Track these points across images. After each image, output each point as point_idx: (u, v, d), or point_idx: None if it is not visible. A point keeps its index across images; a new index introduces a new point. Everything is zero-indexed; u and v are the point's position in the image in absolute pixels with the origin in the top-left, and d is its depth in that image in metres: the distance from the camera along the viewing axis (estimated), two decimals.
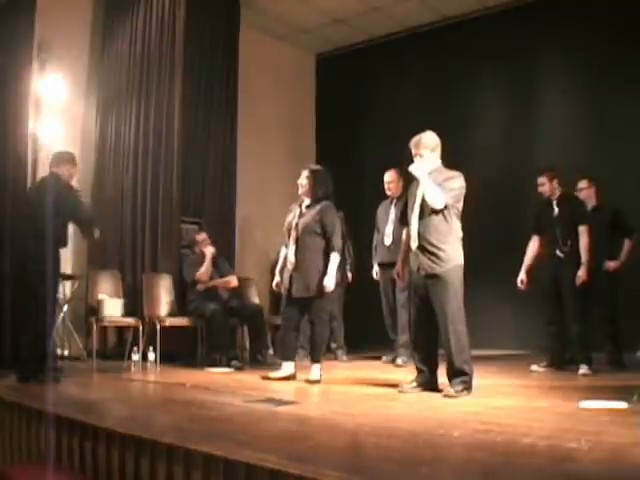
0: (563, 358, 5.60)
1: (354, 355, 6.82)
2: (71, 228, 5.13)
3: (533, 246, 5.77)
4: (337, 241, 4.93)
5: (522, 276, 5.72)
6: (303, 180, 5.02)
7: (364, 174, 8.37)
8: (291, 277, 4.92)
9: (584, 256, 5.40)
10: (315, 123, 9.48)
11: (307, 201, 5.04)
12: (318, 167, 5.18)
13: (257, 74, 8.42)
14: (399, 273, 4.56)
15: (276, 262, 5.33)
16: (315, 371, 4.87)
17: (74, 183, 5.11)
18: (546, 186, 5.67)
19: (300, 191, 5.04)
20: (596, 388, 4.46)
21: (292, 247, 4.93)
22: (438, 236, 4.15)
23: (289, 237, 4.99)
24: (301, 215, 4.99)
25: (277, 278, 5.15)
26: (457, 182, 4.20)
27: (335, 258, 4.89)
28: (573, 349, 5.51)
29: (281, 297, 5.20)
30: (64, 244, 4.90)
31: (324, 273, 4.85)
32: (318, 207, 4.97)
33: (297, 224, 4.96)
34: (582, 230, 5.45)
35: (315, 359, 4.92)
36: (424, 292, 4.19)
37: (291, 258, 4.92)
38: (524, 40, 7.56)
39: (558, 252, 5.54)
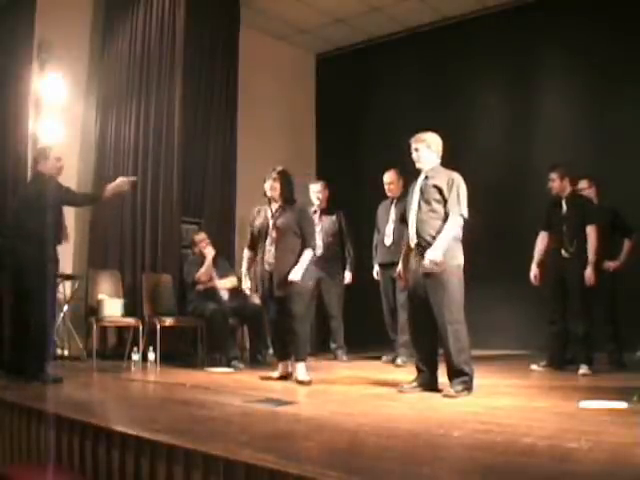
0: (563, 358, 5.60)
1: (354, 355, 6.82)
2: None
3: (541, 242, 5.71)
4: (313, 241, 5.00)
5: (534, 271, 5.68)
6: (273, 182, 4.97)
7: (364, 174, 8.36)
8: (271, 276, 4.88)
9: (591, 256, 5.35)
10: (315, 123, 9.47)
11: (276, 203, 5.00)
12: (283, 168, 5.13)
13: (257, 74, 8.42)
14: (400, 274, 4.56)
15: None
16: (301, 371, 4.82)
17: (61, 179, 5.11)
18: (556, 182, 5.61)
19: (270, 193, 4.99)
20: (596, 388, 4.47)
21: (271, 248, 4.88)
22: (436, 235, 4.15)
23: (265, 238, 4.93)
24: (275, 216, 4.95)
25: (248, 281, 5.11)
26: (462, 189, 4.20)
27: (308, 253, 4.88)
28: (575, 348, 5.50)
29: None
30: (59, 242, 4.96)
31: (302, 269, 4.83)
32: (294, 209, 4.98)
33: (275, 224, 4.92)
34: (590, 230, 5.41)
35: (299, 358, 4.87)
36: (423, 292, 4.19)
37: (270, 259, 4.86)
38: (524, 40, 7.56)
39: (563, 252, 5.51)
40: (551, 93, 7.67)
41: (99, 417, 3.28)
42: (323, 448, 2.68)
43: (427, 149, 4.31)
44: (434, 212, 4.18)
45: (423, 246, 4.18)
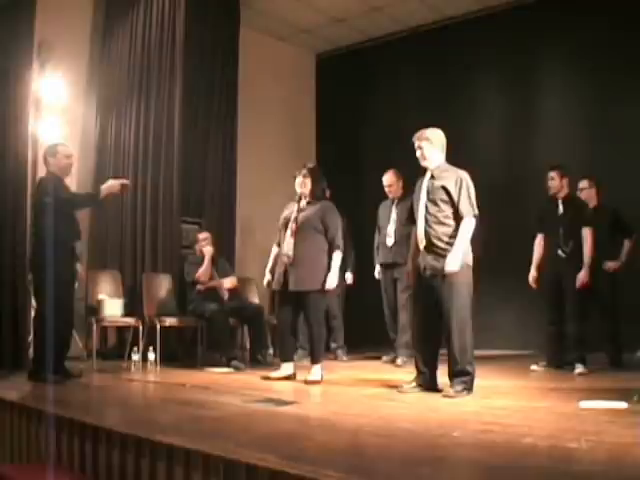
0: (561, 358, 5.58)
1: (354, 355, 6.82)
2: None
3: (539, 244, 5.72)
4: (339, 240, 4.93)
5: (533, 273, 5.69)
6: (303, 179, 4.98)
7: (364, 174, 8.36)
8: (286, 271, 4.88)
9: (586, 259, 5.38)
10: (315, 123, 9.47)
11: (305, 199, 5.01)
12: (314, 165, 5.18)
13: (257, 74, 8.41)
14: (409, 273, 4.54)
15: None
16: (316, 371, 4.85)
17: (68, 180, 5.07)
18: (556, 181, 5.60)
19: (300, 190, 5.00)
20: (596, 388, 4.47)
21: (290, 241, 4.88)
22: (444, 237, 4.15)
23: (286, 231, 4.94)
24: (300, 210, 4.95)
25: (268, 276, 5.13)
26: (471, 188, 4.19)
27: (338, 256, 4.89)
28: (570, 349, 5.48)
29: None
30: (76, 238, 4.95)
31: (327, 270, 4.83)
32: (319, 205, 4.97)
33: (297, 218, 4.91)
34: (586, 232, 5.42)
35: (315, 360, 4.90)
36: (430, 292, 4.18)
37: (289, 252, 4.85)
38: (524, 40, 7.56)
39: (560, 252, 5.52)
40: (551, 93, 7.67)
41: (99, 417, 3.28)
42: (323, 448, 2.68)
43: (431, 146, 4.28)
44: (441, 213, 4.17)
45: (432, 249, 4.17)
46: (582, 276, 5.36)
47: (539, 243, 5.74)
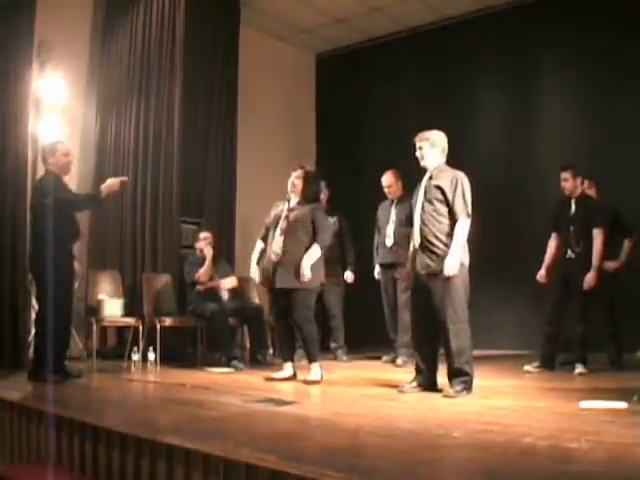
0: (555, 359, 5.55)
1: (354, 355, 6.82)
2: None
3: (552, 244, 5.67)
4: (325, 238, 4.91)
5: (542, 272, 5.63)
6: (295, 179, 5.00)
7: (364, 174, 8.35)
8: (275, 268, 4.86)
9: (595, 261, 5.33)
10: (315, 123, 9.47)
11: (295, 199, 5.01)
12: (310, 168, 5.16)
13: (257, 74, 8.41)
14: (403, 275, 4.54)
15: None
16: (315, 371, 4.84)
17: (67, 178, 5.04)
18: (569, 182, 5.57)
19: (290, 189, 5.01)
20: (595, 388, 4.46)
21: (279, 239, 4.87)
22: (440, 235, 4.16)
23: (275, 229, 4.94)
24: (290, 209, 4.96)
25: (255, 270, 5.08)
26: (467, 188, 4.19)
27: (316, 249, 4.83)
28: (571, 349, 5.47)
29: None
30: (75, 238, 4.94)
31: (315, 269, 4.80)
32: (310, 206, 4.98)
33: (287, 216, 4.92)
34: (596, 233, 5.38)
35: (312, 359, 4.88)
36: (426, 291, 4.19)
37: (277, 250, 4.85)
38: (524, 40, 7.56)
39: (569, 252, 5.49)
40: (551, 93, 7.67)
41: (99, 417, 3.28)
42: (323, 448, 2.68)
43: (431, 147, 4.31)
44: (437, 212, 4.18)
45: (427, 247, 4.18)
46: (589, 278, 5.30)
47: (552, 243, 5.69)
